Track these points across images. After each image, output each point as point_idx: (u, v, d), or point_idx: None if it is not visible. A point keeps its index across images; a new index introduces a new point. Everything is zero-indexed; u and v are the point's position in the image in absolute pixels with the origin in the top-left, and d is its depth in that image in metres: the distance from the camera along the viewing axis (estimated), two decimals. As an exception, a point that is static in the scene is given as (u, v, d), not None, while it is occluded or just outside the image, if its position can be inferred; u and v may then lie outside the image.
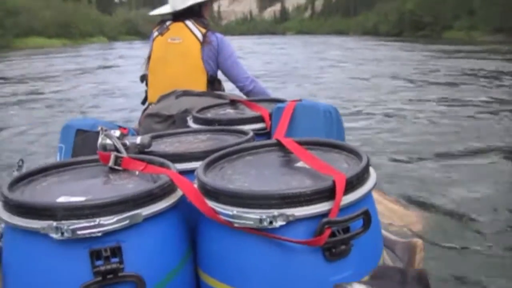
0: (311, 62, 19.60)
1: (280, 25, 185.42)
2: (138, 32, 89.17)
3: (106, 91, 12.18)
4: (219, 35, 3.25)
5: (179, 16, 3.24)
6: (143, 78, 3.35)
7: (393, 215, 3.12)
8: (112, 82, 14.30)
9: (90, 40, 67.91)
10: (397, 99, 9.52)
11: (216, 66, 3.25)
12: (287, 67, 17.70)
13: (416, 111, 8.15)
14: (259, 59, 20.40)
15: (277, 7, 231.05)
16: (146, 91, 3.35)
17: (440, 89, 10.82)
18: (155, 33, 3.28)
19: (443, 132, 6.63)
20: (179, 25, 3.22)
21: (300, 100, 2.13)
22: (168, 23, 3.26)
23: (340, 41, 45.11)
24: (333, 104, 2.22)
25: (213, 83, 3.22)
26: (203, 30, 3.19)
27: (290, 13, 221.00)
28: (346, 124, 2.20)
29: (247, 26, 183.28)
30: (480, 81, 12.15)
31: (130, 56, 26.90)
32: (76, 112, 9.08)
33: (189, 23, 3.20)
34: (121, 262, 1.20)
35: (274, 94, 3.48)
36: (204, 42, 3.16)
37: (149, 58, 3.30)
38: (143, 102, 3.42)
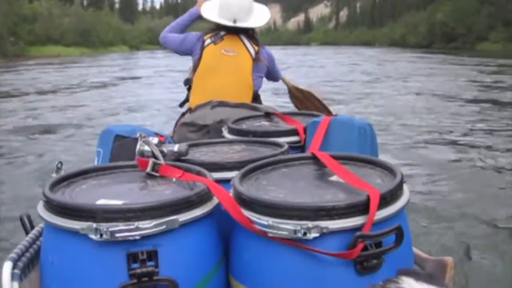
0: (349, 76, 19.35)
1: (304, 36, 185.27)
2: None
3: (128, 102, 12.20)
4: (268, 50, 3.37)
5: (232, 28, 3.25)
6: (187, 82, 3.35)
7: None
8: (133, 92, 14.40)
9: (110, 49, 67.02)
10: (437, 117, 9.34)
11: (262, 82, 3.35)
12: (328, 80, 17.53)
13: (454, 129, 7.96)
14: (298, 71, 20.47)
15: (301, 17, 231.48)
16: (187, 95, 3.36)
17: (481, 106, 10.43)
18: (208, 41, 3.25)
19: (479, 150, 6.53)
20: (234, 37, 3.24)
21: (336, 115, 2.14)
22: (222, 33, 3.25)
23: (374, 52, 44.40)
24: (375, 117, 2.22)
25: (257, 99, 3.29)
26: (256, 48, 3.24)
27: (314, 23, 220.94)
28: (382, 140, 2.20)
29: (271, 37, 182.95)
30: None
31: (151, 65, 27.02)
32: (103, 121, 9.13)
33: (244, 38, 3.24)
34: (156, 265, 1.23)
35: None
36: (256, 59, 3.21)
37: (196, 63, 3.27)
38: (181, 105, 3.45)
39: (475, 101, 11.31)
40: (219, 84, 3.16)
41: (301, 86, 3.66)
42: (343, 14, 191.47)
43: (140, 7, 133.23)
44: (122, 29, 79.71)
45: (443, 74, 19.20)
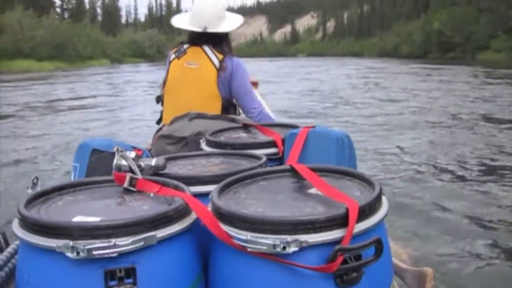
0: (340, 87, 19.32)
1: (291, 47, 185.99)
2: (144, 54, 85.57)
3: (104, 116, 12.11)
4: (235, 60, 3.22)
5: (197, 38, 3.23)
6: (159, 99, 3.36)
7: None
8: (108, 106, 14.27)
9: (89, 63, 63.86)
10: (419, 129, 9.40)
11: (230, 92, 3.23)
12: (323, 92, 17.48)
13: (434, 142, 7.96)
14: (286, 84, 20.34)
15: (287, 29, 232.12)
16: (161, 112, 3.36)
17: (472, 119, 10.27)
18: (173, 56, 3.26)
19: (459, 163, 6.58)
20: (196, 49, 3.21)
21: (313, 127, 2.15)
22: (185, 46, 3.24)
23: (368, 63, 43.85)
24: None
25: (228, 109, 3.23)
26: (220, 56, 3.17)
27: (301, 35, 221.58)
28: (361, 150, 2.21)
29: (257, 48, 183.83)
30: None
31: (130, 79, 26.37)
32: (78, 135, 9.00)
33: (206, 48, 3.18)
34: (134, 283, 1.22)
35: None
36: (220, 69, 3.14)
37: (165, 79, 3.30)
38: (158, 122, 3.44)
39: (470, 114, 11.25)
40: (185, 97, 3.15)
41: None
42: (330, 25, 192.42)
43: (123, 19, 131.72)
44: (103, 42, 76.62)
45: (446, 85, 18.89)
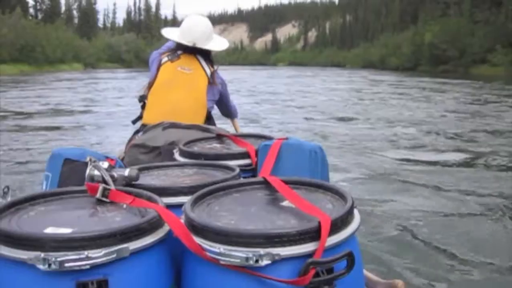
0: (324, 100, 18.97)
1: (272, 56, 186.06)
2: (121, 59, 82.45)
3: (72, 123, 11.96)
4: (222, 77, 3.43)
5: (190, 49, 3.34)
6: (142, 98, 3.36)
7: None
8: (73, 114, 14.05)
9: (59, 67, 59.87)
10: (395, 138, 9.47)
11: (214, 105, 3.40)
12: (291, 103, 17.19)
13: (406, 155, 8.01)
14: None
15: (268, 37, 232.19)
16: (141, 112, 3.37)
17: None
18: (165, 59, 3.31)
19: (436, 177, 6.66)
20: (190, 57, 3.32)
21: (287, 139, 2.16)
22: (179, 52, 3.33)
23: (358, 76, 42.71)
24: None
25: (210, 119, 3.34)
26: (212, 69, 3.32)
27: (281, 44, 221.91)
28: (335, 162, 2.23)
29: (237, 56, 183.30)
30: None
31: (98, 86, 25.41)
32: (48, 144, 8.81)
33: (200, 58, 3.33)
34: (107, 295, 1.21)
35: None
36: (211, 81, 3.29)
37: (152, 80, 3.30)
38: (134, 122, 3.45)
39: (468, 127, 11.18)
40: (173, 100, 3.18)
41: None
42: (312, 34, 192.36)
43: (101, 22, 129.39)
44: (76, 45, 72.50)
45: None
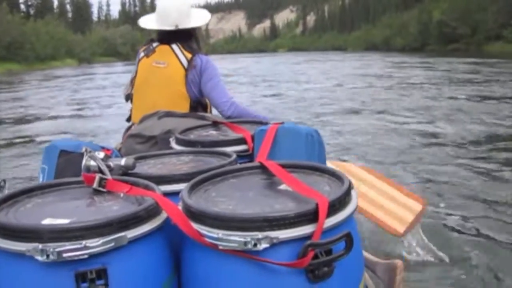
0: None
1: (271, 42, 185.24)
2: (117, 52, 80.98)
3: (68, 119, 11.85)
4: (204, 57, 3.19)
5: (166, 36, 3.20)
6: (128, 97, 3.32)
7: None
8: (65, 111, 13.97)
9: (51, 64, 57.17)
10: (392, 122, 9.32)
11: (200, 91, 3.20)
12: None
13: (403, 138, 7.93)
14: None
15: (266, 24, 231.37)
16: (130, 110, 3.34)
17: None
18: (142, 54, 3.24)
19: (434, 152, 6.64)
20: (165, 48, 3.17)
21: (282, 123, 2.16)
22: (154, 44, 3.21)
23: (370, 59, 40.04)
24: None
25: (196, 108, 3.19)
26: (189, 55, 3.14)
27: (280, 29, 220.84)
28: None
29: (235, 44, 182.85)
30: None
31: (91, 83, 24.46)
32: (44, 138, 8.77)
33: (175, 47, 3.16)
34: (106, 284, 1.21)
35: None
36: (189, 68, 3.12)
37: (133, 77, 3.27)
38: (128, 120, 3.42)
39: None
40: (153, 97, 3.13)
41: None
42: (310, 18, 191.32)
43: (95, 16, 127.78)
44: (68, 40, 69.70)
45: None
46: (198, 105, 3.22)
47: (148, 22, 3.32)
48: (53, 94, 19.36)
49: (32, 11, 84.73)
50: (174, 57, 3.15)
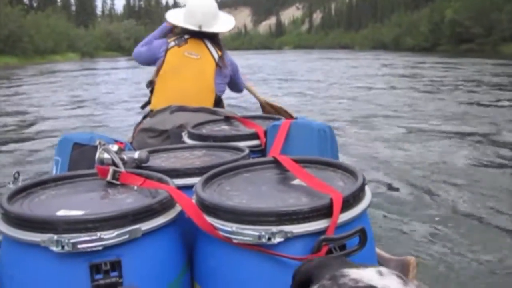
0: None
1: (277, 40, 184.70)
2: (120, 47, 79.39)
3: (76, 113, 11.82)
4: (231, 58, 3.37)
5: (197, 33, 3.27)
6: (150, 84, 3.33)
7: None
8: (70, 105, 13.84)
9: (51, 58, 55.03)
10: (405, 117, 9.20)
11: (225, 87, 3.34)
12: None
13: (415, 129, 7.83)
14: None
15: (272, 20, 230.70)
16: (149, 97, 3.34)
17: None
18: (172, 43, 3.26)
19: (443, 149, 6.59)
20: (198, 41, 3.25)
21: (296, 118, 2.15)
22: (186, 36, 3.26)
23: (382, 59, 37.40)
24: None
25: (219, 103, 3.28)
26: (220, 53, 3.24)
27: (286, 27, 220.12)
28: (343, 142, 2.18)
29: (241, 41, 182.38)
30: None
31: (91, 78, 23.67)
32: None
33: (207, 42, 3.25)
34: (120, 276, 1.22)
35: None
36: (219, 65, 3.22)
37: (160, 65, 3.26)
38: (143, 107, 3.43)
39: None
40: (181, 86, 3.15)
41: (271, 101, 3.67)
42: (317, 16, 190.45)
43: (99, 9, 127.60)
44: (71, 34, 67.62)
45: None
46: (221, 100, 3.33)
47: (175, 16, 3.40)
48: (54, 89, 19.12)
49: (35, 4, 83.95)
50: (207, 50, 3.23)
